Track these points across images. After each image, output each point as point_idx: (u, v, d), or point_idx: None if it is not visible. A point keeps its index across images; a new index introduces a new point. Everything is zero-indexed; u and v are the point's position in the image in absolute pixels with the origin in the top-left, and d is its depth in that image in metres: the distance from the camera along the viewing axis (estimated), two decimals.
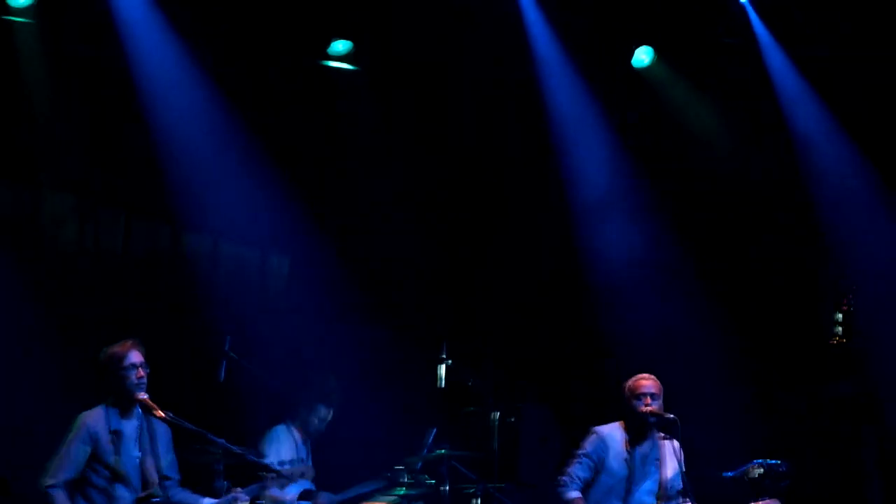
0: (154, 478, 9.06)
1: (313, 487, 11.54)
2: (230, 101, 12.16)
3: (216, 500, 9.14)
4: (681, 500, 9.67)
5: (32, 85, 11.49)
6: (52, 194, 12.09)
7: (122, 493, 8.98)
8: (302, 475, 9.80)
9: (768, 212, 13.09)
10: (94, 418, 9.04)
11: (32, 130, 11.62)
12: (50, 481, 8.86)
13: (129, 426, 9.10)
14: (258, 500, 9.47)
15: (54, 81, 11.58)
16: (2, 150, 11.55)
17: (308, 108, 12.84)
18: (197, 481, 9.57)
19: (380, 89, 12.98)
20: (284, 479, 9.62)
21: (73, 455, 8.94)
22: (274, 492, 11.01)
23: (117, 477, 8.97)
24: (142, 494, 9.01)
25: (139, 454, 9.08)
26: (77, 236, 12.22)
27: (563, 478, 9.75)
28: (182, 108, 11.94)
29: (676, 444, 9.64)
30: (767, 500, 9.63)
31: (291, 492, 11.23)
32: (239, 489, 9.24)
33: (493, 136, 13.30)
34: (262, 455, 10.62)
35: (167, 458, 9.25)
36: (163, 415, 9.04)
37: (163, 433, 9.26)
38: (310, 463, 11.58)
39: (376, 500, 11.29)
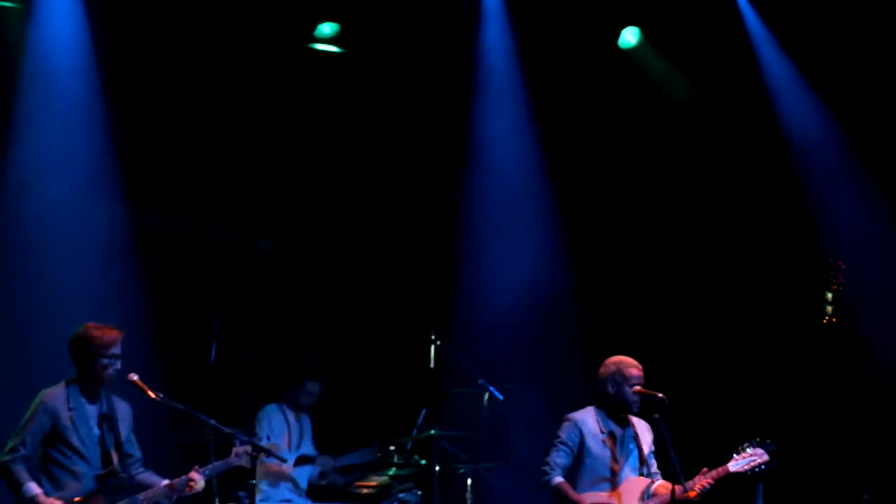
0: (114, 455, 9.02)
1: (312, 452, 11.58)
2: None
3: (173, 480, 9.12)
4: (659, 474, 9.72)
5: None
6: None
7: (83, 469, 8.96)
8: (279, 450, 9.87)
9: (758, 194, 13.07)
10: (54, 395, 9.01)
11: None
12: (8, 457, 8.86)
13: (90, 404, 9.07)
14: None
15: None
16: None
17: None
18: (189, 462, 9.56)
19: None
20: (271, 454, 9.65)
21: (32, 431, 8.91)
22: (269, 461, 11.01)
23: (78, 453, 8.95)
24: (102, 471, 8.97)
25: (99, 432, 9.04)
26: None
27: (544, 467, 9.75)
28: None
29: (644, 423, 9.74)
30: (756, 450, 9.63)
31: (290, 457, 11.27)
32: (198, 467, 9.20)
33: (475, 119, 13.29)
34: (252, 434, 10.61)
35: (128, 438, 9.20)
36: (154, 395, 9.02)
37: (124, 413, 9.22)
38: (310, 437, 11.65)
39: (368, 480, 11.33)
